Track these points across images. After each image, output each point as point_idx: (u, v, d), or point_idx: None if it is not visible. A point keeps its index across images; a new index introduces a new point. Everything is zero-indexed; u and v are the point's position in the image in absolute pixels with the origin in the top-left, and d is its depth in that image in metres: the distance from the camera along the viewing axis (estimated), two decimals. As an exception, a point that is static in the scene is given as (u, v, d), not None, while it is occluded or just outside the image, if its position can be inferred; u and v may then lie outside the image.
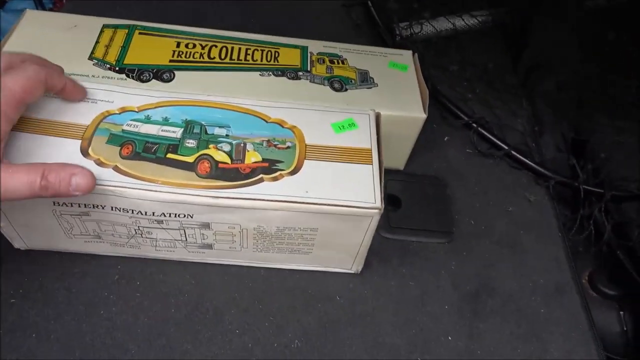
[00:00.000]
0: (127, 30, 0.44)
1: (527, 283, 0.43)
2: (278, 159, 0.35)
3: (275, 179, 0.34)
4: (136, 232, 0.36)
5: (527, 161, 0.50)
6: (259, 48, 0.45)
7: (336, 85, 0.43)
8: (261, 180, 0.34)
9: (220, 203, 0.33)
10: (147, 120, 0.35)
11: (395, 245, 0.44)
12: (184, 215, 0.34)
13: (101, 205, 0.33)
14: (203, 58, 0.43)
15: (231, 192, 0.33)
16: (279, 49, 0.45)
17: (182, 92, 0.39)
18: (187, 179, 0.33)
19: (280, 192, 0.33)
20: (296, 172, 0.34)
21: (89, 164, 0.32)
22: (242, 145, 0.35)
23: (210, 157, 0.34)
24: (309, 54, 0.45)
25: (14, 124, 0.31)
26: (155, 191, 0.32)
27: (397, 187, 0.48)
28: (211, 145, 0.35)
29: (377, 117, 0.39)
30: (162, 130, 0.35)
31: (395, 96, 0.44)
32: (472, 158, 0.52)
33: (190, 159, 0.34)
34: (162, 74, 0.41)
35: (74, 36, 0.42)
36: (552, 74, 0.62)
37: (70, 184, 0.30)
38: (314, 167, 0.35)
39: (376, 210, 0.34)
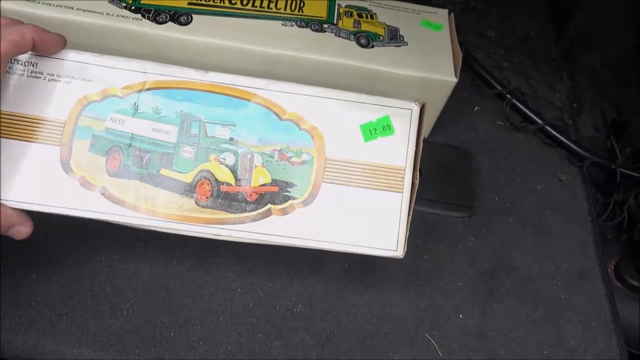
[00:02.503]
0: (146, -31, 0.41)
1: (549, 266, 0.41)
2: (290, 180, 0.30)
3: (284, 211, 0.30)
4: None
5: (562, 138, 0.47)
6: (283, -4, 0.42)
7: (362, 41, 0.40)
8: (269, 212, 0.30)
9: (222, 239, 0.30)
10: (135, 111, 0.30)
11: (412, 215, 0.41)
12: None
13: (92, 219, 0.30)
14: (223, 3, 0.40)
15: (234, 229, 0.29)
16: (304, -2, 0.43)
17: (200, 37, 0.37)
18: (185, 210, 0.29)
19: (290, 231, 0.30)
20: (310, 202, 0.30)
21: (73, 184, 0.29)
22: (248, 157, 0.30)
23: (210, 176, 0.30)
24: (336, 6, 0.42)
25: None
26: (150, 226, 0.29)
27: (422, 155, 0.45)
28: (212, 156, 0.30)
29: (422, 111, 0.32)
30: (153, 130, 0.30)
31: (425, 57, 0.40)
32: (502, 131, 0.48)
33: (187, 178, 0.30)
34: (179, 16, 0.38)
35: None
36: (597, 48, 0.58)
37: (8, 233, 0.29)
38: (331, 195, 0.30)
39: (397, 256, 0.30)
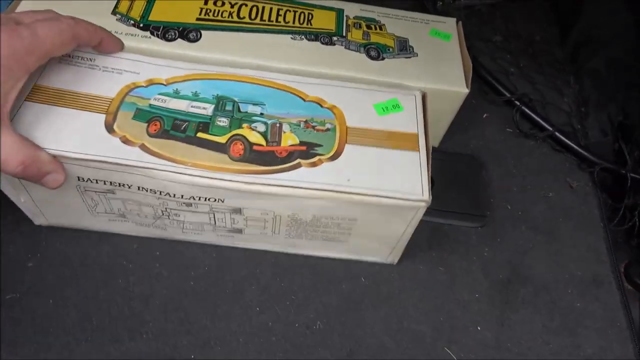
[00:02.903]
0: (152, -16, 0.41)
1: (563, 274, 0.41)
2: (317, 142, 0.32)
3: (314, 164, 0.31)
4: (163, 214, 0.34)
5: (572, 144, 0.47)
6: (291, 9, 0.42)
7: (373, 54, 0.40)
8: (299, 165, 0.31)
9: (254, 189, 0.30)
10: (176, 94, 0.33)
11: (425, 227, 0.41)
12: (215, 200, 0.32)
13: (127, 185, 0.31)
14: (232, 17, 0.40)
15: (266, 178, 0.30)
16: (313, 10, 0.42)
17: (210, 54, 0.37)
18: (219, 162, 0.30)
19: (320, 180, 0.31)
20: (336, 157, 0.32)
21: (114, 142, 0.30)
22: (277, 125, 0.32)
23: (243, 138, 0.32)
24: (344, 18, 0.42)
25: (29, 74, 0.28)
26: (185, 174, 0.30)
27: (432, 165, 0.45)
28: (244, 125, 0.32)
29: (424, 98, 0.36)
30: (191, 107, 0.32)
31: (436, 68, 0.40)
32: (512, 138, 0.48)
33: (222, 140, 0.31)
34: (188, 33, 0.38)
35: (97, -12, 0.40)
36: (602, 50, 0.58)
37: (44, 180, 0.29)
38: (355, 152, 0.32)
39: (422, 203, 0.31)
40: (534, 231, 0.43)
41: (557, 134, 0.47)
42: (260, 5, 0.41)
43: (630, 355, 0.38)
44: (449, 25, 0.44)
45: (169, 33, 0.38)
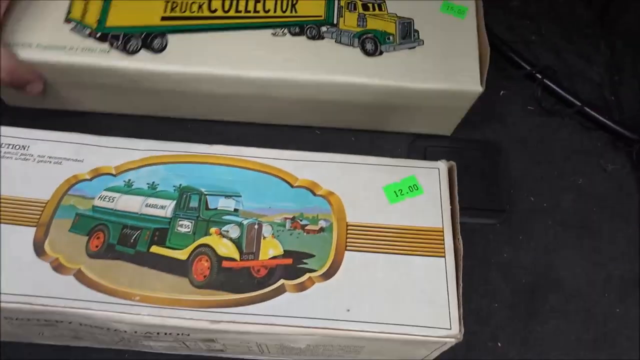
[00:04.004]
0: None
1: (599, 275, 0.37)
2: (307, 250, 0.26)
3: (302, 287, 0.25)
4: (122, 340, 0.28)
5: (605, 120, 0.41)
6: (271, -6, 0.36)
7: (369, 47, 0.35)
8: (282, 289, 0.24)
9: (223, 328, 0.24)
10: (128, 189, 0.27)
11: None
12: (178, 334, 0.25)
13: (67, 321, 0.25)
14: (202, 12, 0.35)
15: (237, 314, 0.24)
16: (297, -6, 0.36)
17: (178, 67, 0.33)
18: (176, 291, 0.24)
19: (309, 312, 0.24)
20: (332, 274, 0.25)
21: (43, 269, 0.24)
22: (256, 227, 0.26)
23: (210, 251, 0.25)
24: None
25: None
26: (130, 313, 0.23)
27: (440, 155, 0.41)
28: (213, 229, 0.26)
29: (451, 172, 0.28)
30: (146, 206, 0.26)
31: (445, 60, 0.35)
32: (534, 117, 0.43)
33: (182, 255, 0.25)
34: (152, 40, 0.33)
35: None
36: (635, 6, 0.50)
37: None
38: (358, 265, 0.25)
39: (451, 339, 0.24)
40: (563, 226, 0.38)
41: (586, 108, 0.42)
42: (234, -6, 0.36)
43: (678, 368, 0.34)
44: (466, -4, 0.37)
45: (131, 43, 0.33)
